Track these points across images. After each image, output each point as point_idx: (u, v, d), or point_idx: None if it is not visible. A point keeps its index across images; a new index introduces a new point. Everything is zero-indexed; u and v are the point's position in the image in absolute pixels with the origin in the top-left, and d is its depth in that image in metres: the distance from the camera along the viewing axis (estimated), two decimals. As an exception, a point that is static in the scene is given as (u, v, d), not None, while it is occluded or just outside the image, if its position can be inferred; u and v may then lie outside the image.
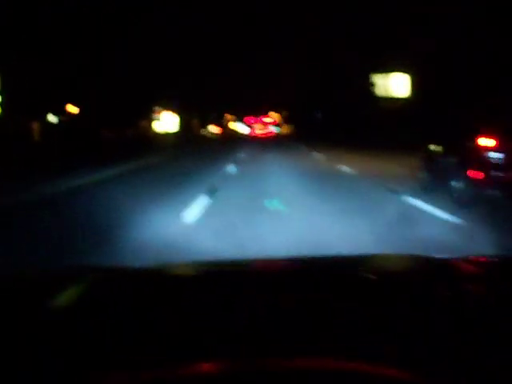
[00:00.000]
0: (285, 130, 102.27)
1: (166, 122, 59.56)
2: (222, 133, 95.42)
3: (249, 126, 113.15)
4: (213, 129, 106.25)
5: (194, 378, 0.68)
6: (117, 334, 0.79)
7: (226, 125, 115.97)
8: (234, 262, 1.42)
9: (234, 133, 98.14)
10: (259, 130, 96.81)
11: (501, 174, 7.42)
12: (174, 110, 60.99)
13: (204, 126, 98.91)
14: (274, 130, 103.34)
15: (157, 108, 51.09)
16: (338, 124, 39.29)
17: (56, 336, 0.78)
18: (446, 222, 6.76)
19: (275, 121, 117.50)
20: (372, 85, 32.69)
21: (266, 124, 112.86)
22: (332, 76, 40.69)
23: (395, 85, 32.01)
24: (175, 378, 0.68)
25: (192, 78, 77.09)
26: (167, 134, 51.91)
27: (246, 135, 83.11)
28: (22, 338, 0.77)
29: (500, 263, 1.38)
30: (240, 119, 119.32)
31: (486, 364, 0.69)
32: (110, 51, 41.85)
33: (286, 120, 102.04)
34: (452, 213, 7.19)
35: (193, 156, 22.63)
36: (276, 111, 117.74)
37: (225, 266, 1.27)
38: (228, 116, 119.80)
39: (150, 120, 52.21)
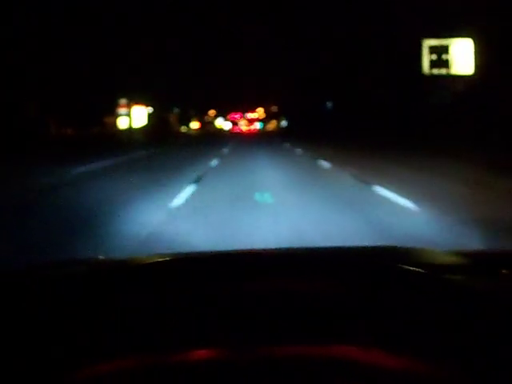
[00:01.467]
0: (272, 126, 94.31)
1: (136, 118, 51.87)
2: (204, 130, 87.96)
3: (233, 122, 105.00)
4: (195, 125, 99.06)
5: (188, 365, 0.72)
6: (117, 323, 0.81)
7: (210, 121, 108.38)
8: (226, 252, 1.33)
9: (218, 130, 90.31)
10: (244, 127, 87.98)
11: None
12: (146, 104, 53.02)
13: (185, 122, 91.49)
14: (258, 126, 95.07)
15: (123, 101, 42.97)
16: (360, 118, 28.95)
17: (55, 328, 0.79)
18: None
19: (260, 117, 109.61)
20: (442, 53, 21.35)
21: (251, 120, 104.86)
22: (354, 50, 29.21)
23: (458, 56, 21.75)
24: (170, 365, 0.72)
25: (170, 69, 70.03)
26: (135, 132, 44.21)
27: (230, 132, 74.83)
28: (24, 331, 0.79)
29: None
30: (225, 115, 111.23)
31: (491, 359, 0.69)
32: (65, 37, 35.02)
33: (276, 115, 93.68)
34: None
35: (149, 165, 14.73)
36: (264, 106, 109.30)
37: (217, 255, 1.26)
38: (212, 112, 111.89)
39: (117, 115, 44.27)
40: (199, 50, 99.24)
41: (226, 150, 20.27)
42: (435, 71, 22.63)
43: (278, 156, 17.24)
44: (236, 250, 1.26)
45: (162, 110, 77.85)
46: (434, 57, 22.49)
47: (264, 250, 1.37)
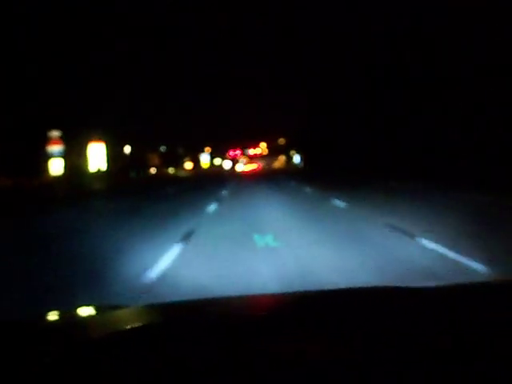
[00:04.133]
0: (279, 163, 78.66)
1: (94, 159, 37.25)
2: (197, 171, 73.02)
3: (232, 160, 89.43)
4: (189, 166, 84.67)
5: None
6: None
7: (202, 161, 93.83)
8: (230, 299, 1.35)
9: (218, 170, 75.26)
10: (246, 165, 70.68)
11: None
12: (105, 140, 37.89)
13: (174, 162, 76.65)
14: (261, 164, 78.28)
15: (55, 134, 27.64)
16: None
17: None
18: None
19: (263, 152, 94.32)
20: None
21: (252, 157, 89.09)
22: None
23: None
24: None
25: (154, 102, 56.66)
26: (90, 178, 29.29)
27: (230, 172, 58.42)
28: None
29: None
30: (222, 152, 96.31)
31: None
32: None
33: (283, 149, 77.71)
34: None
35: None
36: (267, 140, 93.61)
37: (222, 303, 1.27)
38: (208, 149, 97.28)
39: (46, 157, 28.89)
40: (186, 79, 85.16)
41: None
42: None
43: None
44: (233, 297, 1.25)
45: (143, 149, 63.71)
46: None
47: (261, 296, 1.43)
